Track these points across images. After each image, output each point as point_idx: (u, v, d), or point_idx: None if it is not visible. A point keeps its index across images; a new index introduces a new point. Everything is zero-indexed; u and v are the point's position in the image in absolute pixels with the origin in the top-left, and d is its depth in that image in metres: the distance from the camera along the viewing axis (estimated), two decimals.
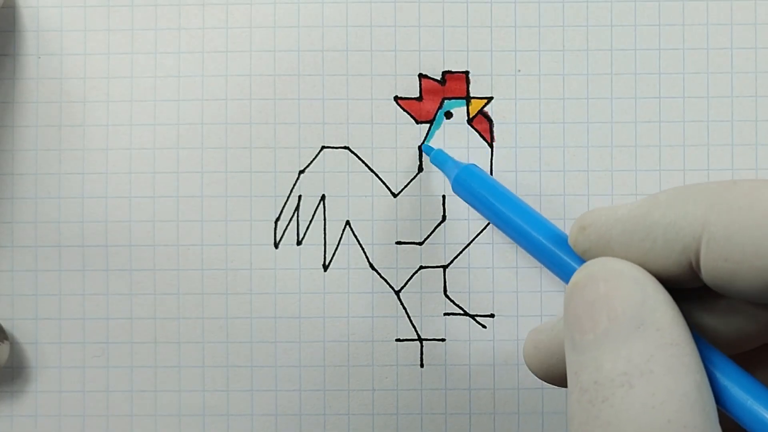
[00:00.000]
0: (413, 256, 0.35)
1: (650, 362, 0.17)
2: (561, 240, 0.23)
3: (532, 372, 0.22)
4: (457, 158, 0.33)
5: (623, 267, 0.19)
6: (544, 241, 0.24)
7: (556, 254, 0.23)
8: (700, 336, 0.20)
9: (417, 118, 0.35)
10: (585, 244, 0.21)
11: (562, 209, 0.34)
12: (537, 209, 0.34)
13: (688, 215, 0.19)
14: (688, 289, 0.20)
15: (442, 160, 0.33)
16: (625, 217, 0.20)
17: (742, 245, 0.18)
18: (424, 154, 0.35)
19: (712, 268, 0.18)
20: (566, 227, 0.34)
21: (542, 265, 0.24)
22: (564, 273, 0.22)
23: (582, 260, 0.21)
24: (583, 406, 0.18)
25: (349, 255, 0.35)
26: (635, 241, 0.19)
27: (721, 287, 0.19)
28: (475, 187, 0.29)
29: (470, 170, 0.30)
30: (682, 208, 0.19)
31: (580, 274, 0.20)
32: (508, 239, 0.34)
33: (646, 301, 0.18)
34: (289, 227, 0.35)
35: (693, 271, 0.19)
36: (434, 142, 0.35)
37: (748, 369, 0.20)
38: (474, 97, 0.35)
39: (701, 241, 0.18)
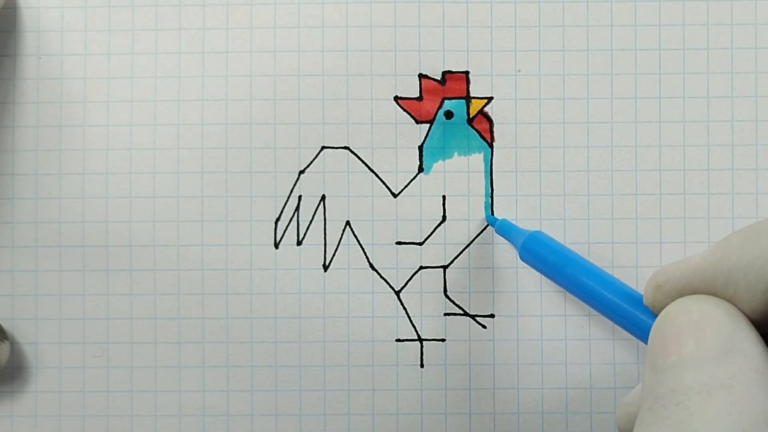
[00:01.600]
0: (413, 257, 0.35)
1: (733, 380, 0.17)
2: (635, 300, 0.23)
3: None
4: (451, 157, 0.33)
5: (718, 302, 0.19)
6: (620, 302, 0.24)
7: (634, 314, 0.23)
8: None
9: (417, 118, 0.35)
10: (665, 302, 0.21)
11: (562, 209, 0.34)
12: (537, 209, 0.34)
13: (765, 252, 0.18)
14: None
15: (507, 230, 0.33)
16: (701, 267, 0.20)
17: None
18: (423, 154, 0.35)
19: None
20: (566, 227, 0.34)
21: (620, 328, 0.24)
22: (643, 333, 0.22)
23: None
24: (654, 411, 0.18)
25: (349, 255, 0.35)
26: (717, 288, 0.19)
27: None
28: (544, 254, 0.29)
29: (537, 238, 0.30)
30: (757, 247, 0.19)
31: (674, 306, 0.20)
32: (508, 240, 0.34)
33: (736, 332, 0.18)
34: (289, 227, 0.35)
35: None
36: (434, 143, 0.35)
37: None
38: (474, 97, 0.35)
39: None
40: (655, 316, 0.21)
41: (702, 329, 0.18)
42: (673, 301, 0.20)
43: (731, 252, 0.19)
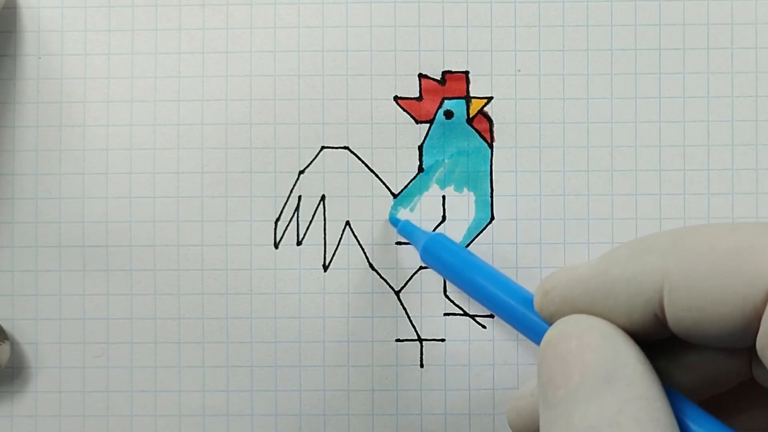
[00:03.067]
0: (413, 257, 0.35)
1: (618, 415, 0.17)
2: (531, 304, 0.23)
3: None
4: (454, 154, 0.33)
5: (594, 323, 0.19)
6: (515, 305, 0.24)
7: (528, 317, 0.23)
8: (671, 385, 0.19)
9: (417, 118, 0.35)
10: (551, 308, 0.21)
11: (562, 210, 0.34)
12: (537, 209, 0.34)
13: (647, 267, 0.18)
14: (657, 340, 0.20)
15: (409, 231, 0.33)
16: (586, 276, 0.20)
17: (703, 292, 0.17)
18: (423, 154, 0.35)
19: (676, 318, 0.18)
20: (565, 227, 0.34)
21: (516, 331, 0.25)
22: (536, 336, 0.22)
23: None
24: None
25: (349, 255, 0.35)
26: (598, 299, 0.19)
27: (688, 336, 0.18)
28: (444, 257, 0.29)
29: (437, 240, 0.30)
30: (641, 261, 0.19)
31: (553, 331, 0.20)
32: (509, 241, 0.34)
33: (616, 356, 0.18)
34: (289, 227, 0.35)
35: (659, 322, 0.19)
36: (434, 142, 0.35)
37: (720, 413, 0.20)
38: (474, 97, 0.35)
39: (663, 292, 0.18)
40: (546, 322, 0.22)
41: (583, 358, 0.18)
42: (557, 308, 0.20)
43: (615, 265, 0.19)
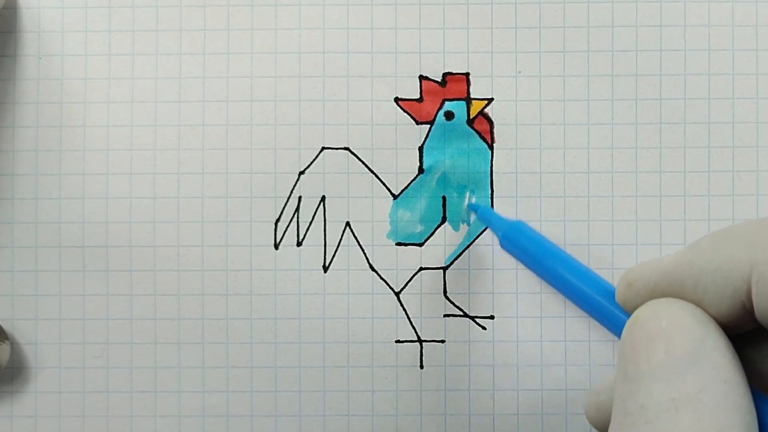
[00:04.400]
0: (413, 258, 0.35)
1: (700, 393, 0.17)
2: (611, 295, 0.23)
3: None
4: (454, 155, 0.33)
5: (686, 306, 0.19)
6: (595, 296, 0.24)
7: (609, 309, 0.23)
8: (755, 384, 0.19)
9: (417, 120, 0.35)
10: (636, 300, 0.21)
11: (562, 211, 0.34)
12: (537, 211, 0.34)
13: (734, 257, 0.18)
14: (744, 333, 0.20)
15: (488, 217, 0.33)
16: (671, 268, 0.20)
17: None
18: (423, 155, 0.35)
19: (764, 308, 0.18)
20: (565, 228, 0.34)
21: (595, 320, 0.25)
22: (616, 327, 0.22)
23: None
24: (624, 428, 0.18)
25: (349, 256, 0.35)
26: (686, 290, 0.19)
27: None
28: (524, 244, 0.29)
29: (518, 227, 0.30)
30: (727, 252, 0.19)
31: (644, 310, 0.20)
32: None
33: (705, 339, 0.18)
34: (289, 228, 0.35)
35: (747, 312, 0.19)
36: (435, 144, 0.35)
37: None
38: (474, 99, 0.35)
39: (751, 282, 0.18)
40: (627, 313, 0.22)
41: (671, 337, 0.18)
42: (642, 300, 0.20)
43: (701, 256, 0.19)
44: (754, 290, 0.18)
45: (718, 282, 0.19)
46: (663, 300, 0.20)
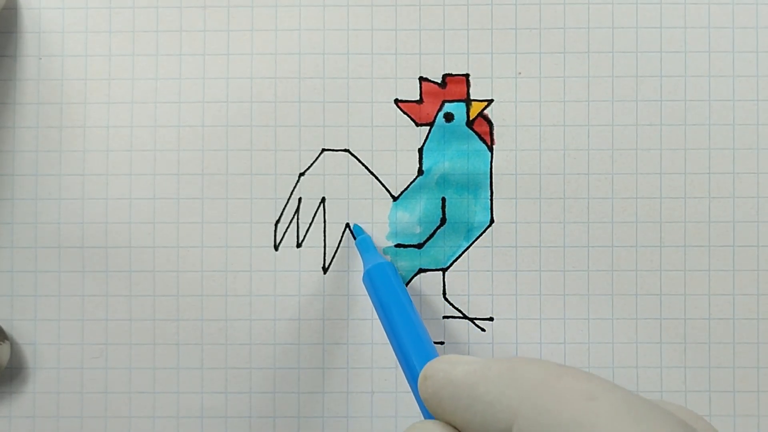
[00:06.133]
0: (412, 259, 0.34)
1: None
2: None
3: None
4: (453, 156, 0.33)
5: None
6: (415, 366, 0.25)
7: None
8: None
9: (417, 121, 0.35)
10: (424, 395, 0.21)
11: (562, 213, 0.34)
12: (537, 212, 0.34)
13: (505, 401, 0.19)
14: None
15: (363, 248, 0.33)
16: (457, 381, 0.20)
17: None
18: (423, 156, 0.35)
19: None
20: (565, 230, 0.34)
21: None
22: (422, 407, 0.23)
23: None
24: None
25: (348, 257, 0.35)
26: (459, 408, 0.20)
27: None
28: (378, 287, 0.30)
29: (381, 269, 0.31)
30: (503, 391, 0.19)
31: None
32: (508, 244, 0.34)
33: None
34: (289, 229, 0.35)
35: None
36: (434, 145, 0.34)
37: None
38: (474, 100, 0.35)
39: (512, 430, 0.18)
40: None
41: None
42: (429, 395, 0.21)
43: (483, 383, 0.19)
44: None
45: (486, 417, 0.19)
46: (424, 424, 0.21)
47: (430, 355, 0.25)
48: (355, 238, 0.34)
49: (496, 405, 0.19)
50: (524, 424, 0.18)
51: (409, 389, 0.29)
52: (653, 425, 0.17)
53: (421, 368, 0.24)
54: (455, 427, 0.20)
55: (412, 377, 0.25)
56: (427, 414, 0.22)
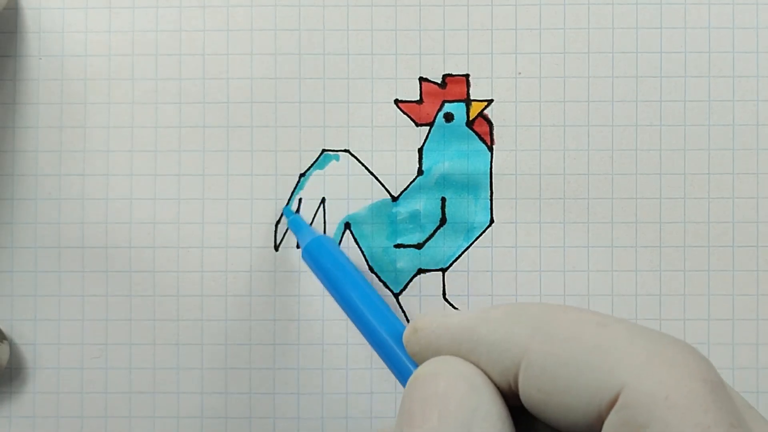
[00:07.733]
0: (412, 259, 0.34)
1: None
2: (400, 334, 0.23)
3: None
4: (453, 156, 0.33)
5: (467, 371, 0.19)
6: (385, 336, 0.24)
7: (391, 347, 0.23)
8: None
9: (417, 121, 0.35)
10: (415, 348, 0.21)
11: (562, 213, 0.34)
12: (536, 212, 0.34)
13: (512, 338, 0.19)
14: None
15: (297, 227, 0.33)
16: (455, 328, 0.20)
17: (554, 378, 0.18)
18: (423, 156, 0.35)
19: (526, 394, 0.18)
20: (565, 230, 0.34)
21: (383, 362, 0.24)
22: (399, 370, 0.23)
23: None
24: None
25: (348, 257, 0.35)
26: (462, 353, 0.20)
27: (535, 413, 0.19)
28: (323, 261, 0.29)
29: (321, 242, 0.31)
30: (508, 329, 0.19)
31: (425, 368, 0.20)
32: (508, 244, 0.34)
33: (478, 408, 0.18)
34: (289, 230, 0.35)
35: (513, 392, 0.19)
36: (434, 145, 0.34)
37: None
38: (474, 100, 0.35)
39: (520, 366, 0.18)
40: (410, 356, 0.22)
41: (446, 403, 0.19)
42: (421, 348, 0.21)
43: (484, 324, 0.19)
44: (520, 375, 0.18)
45: (492, 355, 0.19)
46: (445, 359, 0.20)
47: (393, 321, 0.24)
48: (287, 218, 0.34)
49: (502, 344, 0.19)
50: (536, 357, 0.18)
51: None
52: (666, 344, 0.17)
53: (387, 332, 0.23)
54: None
55: (383, 344, 0.24)
56: (404, 380, 0.22)
